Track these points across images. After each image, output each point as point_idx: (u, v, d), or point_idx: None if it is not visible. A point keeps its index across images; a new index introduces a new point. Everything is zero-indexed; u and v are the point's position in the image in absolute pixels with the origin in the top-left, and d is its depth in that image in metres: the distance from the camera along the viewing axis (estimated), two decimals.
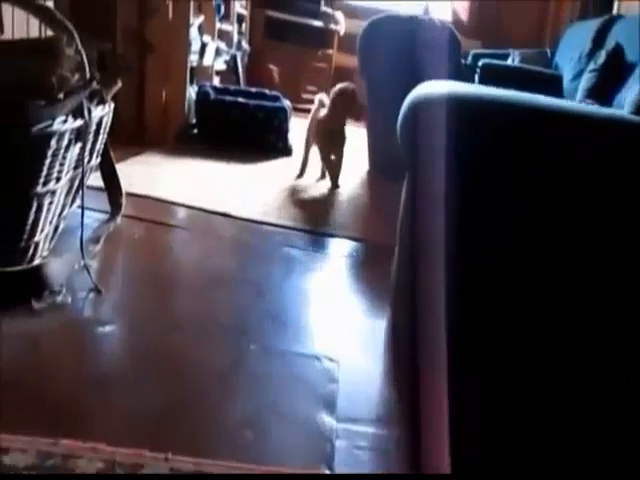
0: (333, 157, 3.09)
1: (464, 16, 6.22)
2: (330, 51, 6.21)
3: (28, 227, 1.57)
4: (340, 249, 2.32)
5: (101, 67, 1.87)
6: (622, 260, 1.12)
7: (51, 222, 1.70)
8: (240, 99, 3.82)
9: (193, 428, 1.18)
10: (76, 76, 1.63)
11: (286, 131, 3.80)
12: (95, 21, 2.98)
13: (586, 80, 3.16)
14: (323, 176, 3.23)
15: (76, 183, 1.82)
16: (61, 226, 1.83)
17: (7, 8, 2.14)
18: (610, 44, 3.20)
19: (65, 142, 1.60)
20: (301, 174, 3.27)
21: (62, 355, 1.38)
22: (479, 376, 1.18)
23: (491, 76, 3.30)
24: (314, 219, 2.58)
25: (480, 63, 3.52)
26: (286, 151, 3.76)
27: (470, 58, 4.19)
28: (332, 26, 6.07)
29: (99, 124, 1.90)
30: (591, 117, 1.18)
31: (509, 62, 4.17)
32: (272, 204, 2.66)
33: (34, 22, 2.17)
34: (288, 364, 1.44)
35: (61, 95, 1.55)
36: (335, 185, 3.08)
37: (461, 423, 1.12)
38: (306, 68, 6.05)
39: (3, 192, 1.50)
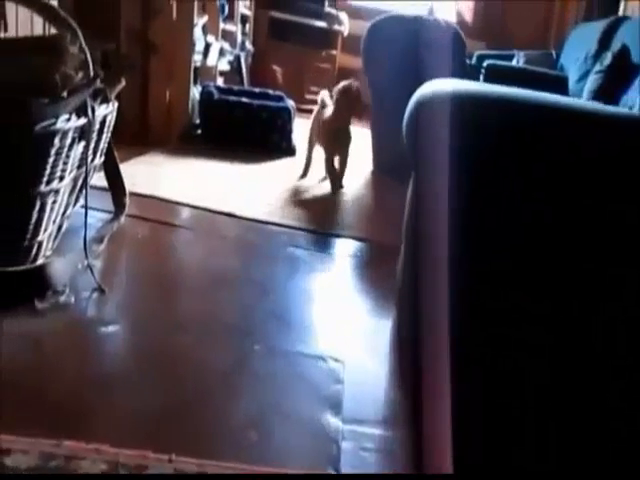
0: (338, 157, 3.07)
1: (468, 17, 6.21)
2: (334, 52, 6.20)
3: (31, 226, 1.56)
4: (345, 249, 2.31)
5: (105, 66, 1.86)
6: (628, 257, 1.11)
7: (54, 221, 1.69)
8: (244, 99, 3.81)
9: (197, 429, 1.17)
10: (80, 74, 1.63)
11: (290, 131, 3.79)
12: (99, 21, 2.98)
13: (592, 81, 3.15)
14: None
15: (79, 182, 1.81)
16: (64, 226, 1.82)
17: (11, 6, 2.13)
18: (616, 45, 3.19)
19: (68, 140, 1.59)
20: (304, 174, 3.26)
21: (65, 355, 1.38)
22: (485, 376, 1.17)
23: (496, 77, 3.29)
24: (318, 219, 2.57)
25: (485, 64, 3.51)
26: (290, 151, 3.75)
27: (475, 59, 4.18)
28: (336, 27, 6.06)
29: (103, 123, 1.90)
30: (596, 114, 1.17)
31: (514, 63, 4.16)
32: (276, 204, 2.66)
33: (38, 20, 2.16)
34: (292, 364, 1.43)
35: (65, 93, 1.54)
36: (339, 185, 3.07)
37: (466, 423, 1.11)
38: (310, 69, 6.04)
39: (6, 191, 1.49)
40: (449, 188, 1.11)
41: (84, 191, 1.78)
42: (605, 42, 3.42)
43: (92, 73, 1.67)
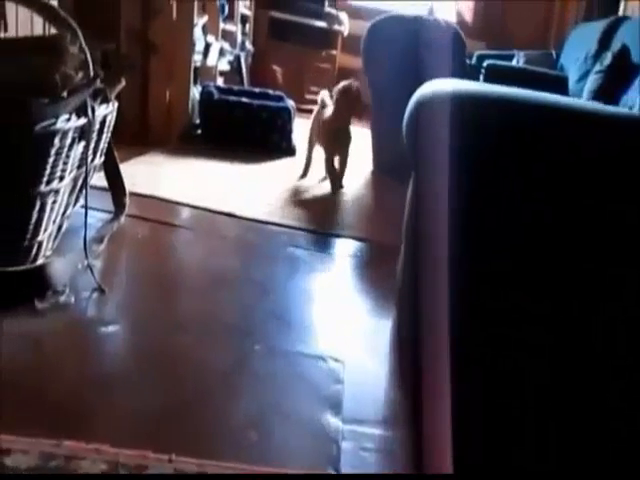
0: (338, 157, 3.07)
1: (468, 17, 6.21)
2: (334, 52, 6.20)
3: (31, 226, 1.56)
4: (345, 249, 2.31)
5: (105, 66, 1.86)
6: (628, 257, 1.11)
7: (54, 221, 1.69)
8: (244, 99, 3.81)
9: (197, 429, 1.17)
10: (80, 74, 1.63)
11: (290, 131, 3.79)
12: (99, 21, 2.98)
13: (592, 81, 3.15)
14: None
15: (79, 182, 1.81)
16: (64, 226, 1.82)
17: (11, 6, 2.13)
18: (616, 45, 3.19)
19: (68, 140, 1.59)
20: (304, 174, 3.26)
21: (65, 355, 1.38)
22: (485, 376, 1.17)
23: (496, 77, 3.28)
24: (318, 219, 2.57)
25: (485, 64, 3.51)
26: (290, 151, 3.75)
27: (474, 59, 4.18)
28: (336, 27, 6.06)
29: (103, 123, 1.90)
30: (596, 114, 1.17)
31: (514, 63, 4.16)
32: (276, 204, 2.66)
33: (38, 20, 2.16)
34: (293, 364, 1.43)
35: (64, 93, 1.54)
36: (339, 185, 3.06)
37: (466, 423, 1.11)
38: (310, 69, 6.04)
39: (6, 191, 1.49)
40: (449, 188, 1.11)
41: (84, 191, 1.78)
42: (605, 42, 3.42)
43: (92, 73, 1.67)
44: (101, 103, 1.82)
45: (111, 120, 2.00)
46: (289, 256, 2.13)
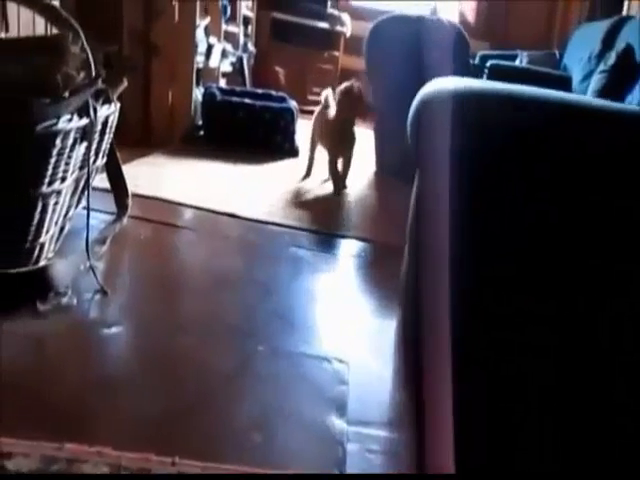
0: (342, 159, 3.06)
1: (471, 17, 6.20)
2: (336, 53, 6.20)
3: (33, 228, 1.55)
4: (348, 249, 2.30)
5: (107, 67, 1.86)
6: (635, 253, 1.10)
7: (56, 223, 1.68)
8: (246, 100, 3.81)
9: (200, 431, 1.16)
10: (81, 74, 1.62)
11: (292, 132, 3.79)
12: (101, 23, 2.97)
13: (596, 81, 3.14)
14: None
15: (82, 183, 1.80)
16: (67, 227, 1.82)
17: (13, 6, 2.13)
18: (620, 45, 3.18)
19: (70, 141, 1.58)
20: (307, 175, 3.26)
21: (67, 357, 1.37)
22: (488, 378, 1.16)
23: (499, 77, 3.27)
24: (321, 219, 2.56)
25: (488, 64, 3.50)
26: (292, 152, 3.74)
27: (478, 59, 4.17)
28: (338, 28, 6.06)
29: (105, 123, 1.89)
30: (603, 110, 1.16)
31: (517, 63, 4.15)
32: (278, 204, 2.65)
33: (40, 21, 2.16)
34: (296, 366, 1.42)
35: (66, 93, 1.53)
36: (342, 187, 3.05)
37: (469, 425, 1.10)
38: (312, 70, 6.04)
39: (7, 192, 1.48)
40: (453, 188, 1.10)
41: (86, 192, 1.78)
42: (609, 42, 3.41)
43: (94, 73, 1.66)
44: (103, 104, 1.81)
45: (113, 121, 1.99)
46: (292, 257, 2.12)
